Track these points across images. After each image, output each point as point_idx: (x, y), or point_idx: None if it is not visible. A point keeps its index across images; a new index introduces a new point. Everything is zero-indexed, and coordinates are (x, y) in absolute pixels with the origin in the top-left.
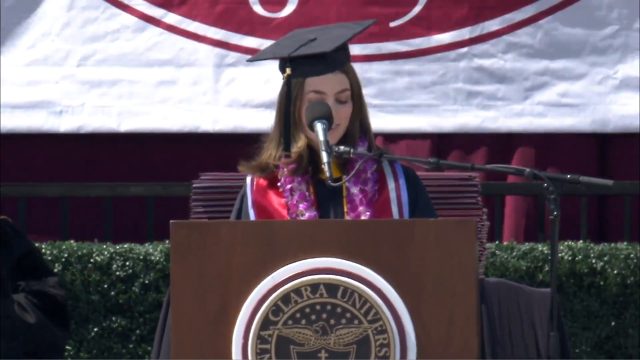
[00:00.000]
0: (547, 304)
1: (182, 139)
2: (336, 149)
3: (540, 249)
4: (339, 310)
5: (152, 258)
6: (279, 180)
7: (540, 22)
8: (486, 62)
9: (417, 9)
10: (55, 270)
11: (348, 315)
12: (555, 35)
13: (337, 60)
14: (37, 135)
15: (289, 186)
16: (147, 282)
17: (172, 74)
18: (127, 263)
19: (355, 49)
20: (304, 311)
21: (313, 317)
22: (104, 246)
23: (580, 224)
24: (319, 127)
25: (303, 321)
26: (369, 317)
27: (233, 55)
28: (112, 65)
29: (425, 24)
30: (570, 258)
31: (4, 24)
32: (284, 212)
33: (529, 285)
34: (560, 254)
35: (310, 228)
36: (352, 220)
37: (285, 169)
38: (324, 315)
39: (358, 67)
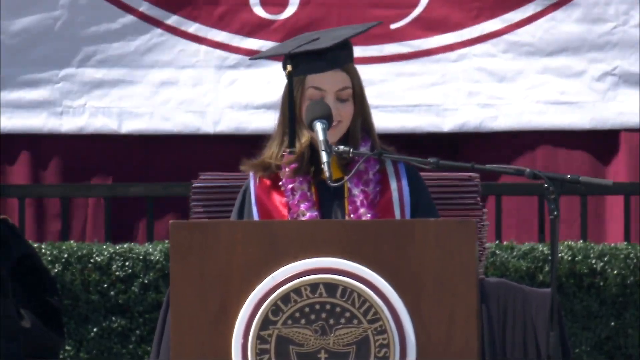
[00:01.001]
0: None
1: (183, 141)
2: (336, 148)
3: (540, 249)
4: (338, 309)
5: (152, 258)
6: (280, 180)
7: (539, 20)
8: (486, 62)
9: (417, 10)
10: (55, 270)
11: (347, 315)
12: (554, 33)
13: (338, 58)
14: (37, 136)
15: (290, 186)
16: (146, 282)
17: (173, 75)
18: (127, 263)
19: (356, 51)
20: (303, 311)
21: (312, 316)
22: (104, 246)
23: (580, 224)
24: (318, 126)
25: (302, 321)
26: (369, 317)
27: (234, 57)
28: (113, 66)
29: (425, 26)
30: (570, 258)
31: (4, 24)
32: (285, 211)
33: (529, 285)
34: (560, 254)
35: (310, 228)
36: (352, 221)
37: (287, 169)
38: (324, 315)
39: (359, 69)
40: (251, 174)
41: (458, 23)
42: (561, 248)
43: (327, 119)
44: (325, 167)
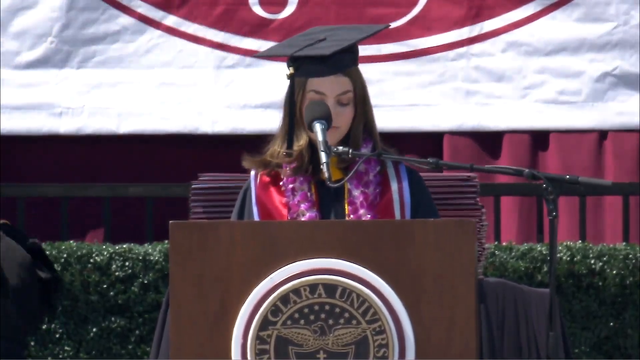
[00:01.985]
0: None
1: (181, 141)
2: (335, 149)
3: (539, 249)
4: (337, 310)
5: (151, 258)
6: (281, 179)
7: (539, 20)
8: (485, 61)
9: (416, 9)
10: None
11: (346, 315)
12: (553, 32)
13: (340, 62)
14: (37, 137)
15: (291, 186)
16: (146, 282)
17: (171, 75)
18: (127, 263)
19: None
20: (302, 311)
21: (312, 317)
22: (104, 246)
23: (579, 224)
24: (317, 127)
25: (302, 321)
26: (368, 318)
27: (232, 57)
28: (111, 67)
29: (424, 25)
30: (569, 258)
31: (3, 25)
32: (285, 211)
33: (528, 285)
34: (559, 255)
35: (309, 229)
36: (351, 221)
37: (287, 168)
38: (323, 316)
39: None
40: (252, 174)
41: (456, 22)
42: (560, 248)
43: (327, 119)
44: (324, 167)
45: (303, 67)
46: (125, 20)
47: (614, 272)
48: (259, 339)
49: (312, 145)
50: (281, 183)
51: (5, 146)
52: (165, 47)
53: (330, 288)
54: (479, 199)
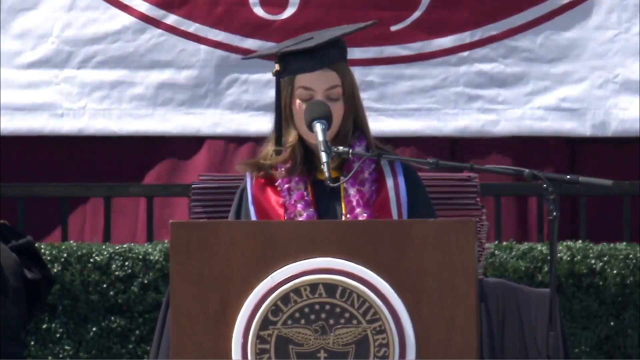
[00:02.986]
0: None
1: (183, 142)
2: (335, 149)
3: (539, 249)
4: (337, 310)
5: (152, 258)
6: (276, 180)
7: (540, 26)
8: (487, 67)
9: (418, 13)
10: (55, 270)
11: (347, 315)
12: (555, 39)
13: (326, 57)
14: (37, 138)
15: (286, 186)
16: (146, 282)
17: (172, 76)
18: (127, 263)
19: (356, 53)
20: (303, 311)
21: (312, 316)
22: (103, 246)
23: (580, 224)
24: (318, 127)
25: (302, 321)
26: (368, 317)
27: (234, 58)
28: (112, 67)
29: (426, 28)
30: (569, 258)
31: (3, 26)
32: (281, 211)
33: (528, 285)
34: (559, 254)
35: (309, 228)
36: (351, 221)
37: (282, 169)
38: (323, 315)
39: (359, 71)
40: (247, 174)
41: (459, 26)
42: (560, 248)
43: (327, 119)
44: (324, 167)
45: (291, 64)
46: (125, 19)
47: (614, 272)
48: (259, 338)
49: (303, 144)
50: (277, 184)
51: (6, 147)
52: (166, 47)
53: (331, 288)
54: (479, 199)
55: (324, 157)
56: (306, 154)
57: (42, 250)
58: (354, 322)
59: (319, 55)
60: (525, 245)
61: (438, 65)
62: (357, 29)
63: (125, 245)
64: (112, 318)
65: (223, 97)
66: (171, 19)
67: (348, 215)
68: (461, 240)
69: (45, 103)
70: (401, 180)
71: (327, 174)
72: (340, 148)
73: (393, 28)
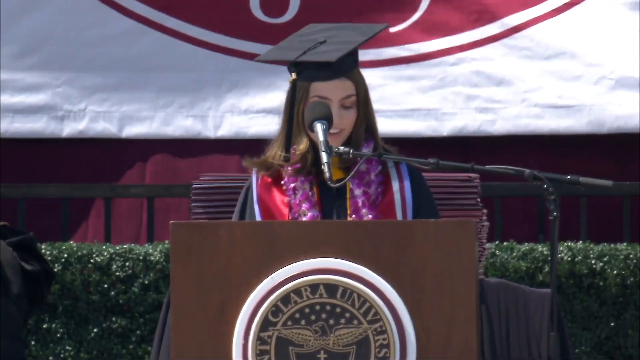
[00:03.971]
0: (547, 305)
1: (183, 145)
2: (336, 149)
3: (540, 249)
4: (338, 310)
5: (152, 258)
6: (282, 179)
7: (537, 25)
8: (484, 66)
9: (417, 14)
10: (55, 270)
11: (347, 315)
12: (552, 37)
13: (343, 66)
14: (38, 140)
15: (292, 185)
16: (147, 282)
17: (173, 79)
18: (127, 263)
19: None
20: (303, 311)
21: (312, 317)
22: (104, 247)
23: (580, 224)
24: (318, 127)
25: (302, 321)
26: (369, 318)
27: (234, 61)
28: (113, 70)
29: (425, 29)
30: (570, 259)
31: (4, 28)
32: (286, 210)
33: (528, 285)
34: (560, 255)
35: (310, 229)
36: (352, 221)
37: (289, 168)
38: (324, 316)
39: None
40: (253, 172)
41: (457, 27)
42: (561, 249)
43: (327, 119)
44: (325, 167)
45: (306, 71)
46: (127, 23)
47: (615, 272)
48: (259, 339)
49: (314, 148)
50: (282, 182)
51: (7, 149)
52: (167, 50)
53: (331, 288)
54: (480, 199)
55: (324, 157)
56: (315, 156)
57: (43, 251)
58: (355, 322)
59: (336, 64)
60: (525, 246)
61: (436, 66)
62: (371, 37)
63: (125, 246)
64: (113, 318)
65: (223, 100)
66: (172, 23)
67: (353, 216)
68: (462, 241)
69: (46, 105)
70: (407, 183)
71: (327, 174)
72: (341, 148)
73: (393, 30)
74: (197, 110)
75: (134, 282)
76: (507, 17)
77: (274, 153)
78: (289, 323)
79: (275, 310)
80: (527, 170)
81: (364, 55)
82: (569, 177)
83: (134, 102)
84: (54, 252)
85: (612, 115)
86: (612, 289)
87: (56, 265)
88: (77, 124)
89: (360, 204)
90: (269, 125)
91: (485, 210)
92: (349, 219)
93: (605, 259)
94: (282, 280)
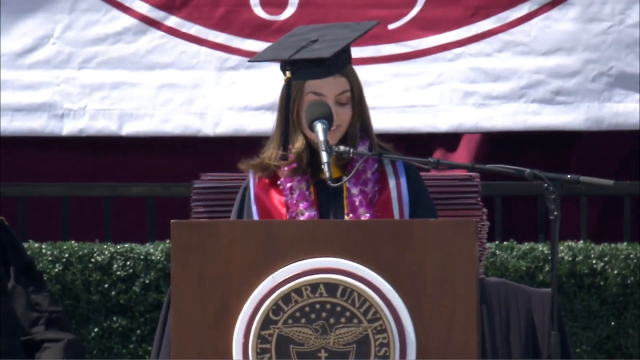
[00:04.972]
0: (547, 304)
1: (183, 142)
2: (336, 149)
3: (540, 249)
4: (338, 309)
5: (153, 258)
6: (279, 179)
7: (534, 19)
8: (482, 61)
9: (415, 10)
10: (56, 270)
11: (347, 314)
12: (549, 32)
13: (337, 63)
14: (38, 138)
15: (289, 185)
16: (147, 282)
17: (173, 77)
18: (128, 263)
19: (353, 52)
20: (303, 310)
21: (313, 316)
22: (105, 246)
23: (581, 224)
24: (319, 127)
25: (303, 320)
26: (369, 317)
27: (234, 58)
28: (113, 68)
29: (422, 25)
30: (570, 258)
31: (4, 27)
32: (283, 210)
33: (529, 285)
34: (560, 254)
35: (310, 228)
36: (352, 221)
37: (285, 168)
38: (324, 315)
39: (356, 69)
40: (250, 173)
41: (454, 22)
42: (561, 248)
43: (328, 119)
44: (325, 167)
45: (300, 70)
46: (126, 21)
47: (615, 272)
48: (260, 338)
49: (310, 146)
50: (279, 182)
51: (7, 147)
52: (167, 48)
53: (332, 287)
54: (480, 198)
55: (324, 157)
56: (311, 154)
57: (43, 250)
58: (355, 321)
59: (330, 62)
60: (526, 245)
61: (433, 62)
62: (364, 33)
63: (126, 245)
64: (114, 318)
65: (223, 98)
66: (172, 21)
67: (350, 215)
68: (462, 240)
69: (46, 104)
70: (403, 180)
71: (327, 174)
72: (342, 147)
73: (390, 26)
74: (197, 107)
75: (135, 282)
76: (503, 12)
77: (270, 154)
78: (290, 321)
79: (276, 308)
80: (528, 170)
81: (362, 52)
82: (569, 176)
83: (134, 100)
84: (55, 252)
85: (611, 111)
86: (612, 289)
87: (57, 265)
88: (77, 122)
89: (357, 202)
90: (268, 122)
91: (485, 210)
92: (346, 218)
93: (605, 258)
94: (283, 280)
